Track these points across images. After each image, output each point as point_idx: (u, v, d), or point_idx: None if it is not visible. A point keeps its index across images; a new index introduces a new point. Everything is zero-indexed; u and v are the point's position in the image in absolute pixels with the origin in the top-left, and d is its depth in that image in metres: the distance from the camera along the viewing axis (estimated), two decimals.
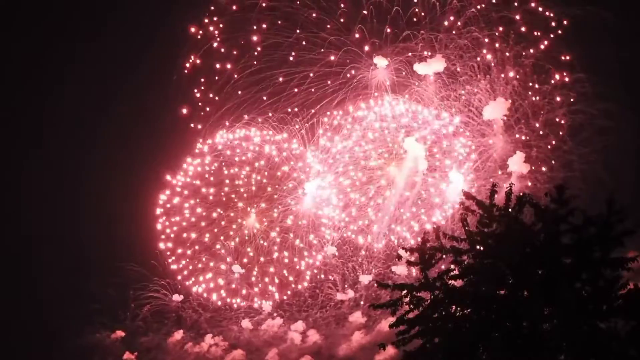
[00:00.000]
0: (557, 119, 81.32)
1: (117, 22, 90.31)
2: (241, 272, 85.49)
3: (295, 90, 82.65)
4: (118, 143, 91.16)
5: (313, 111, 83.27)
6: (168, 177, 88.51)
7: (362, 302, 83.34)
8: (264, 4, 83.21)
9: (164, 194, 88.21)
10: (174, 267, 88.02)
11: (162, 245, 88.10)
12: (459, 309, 28.11)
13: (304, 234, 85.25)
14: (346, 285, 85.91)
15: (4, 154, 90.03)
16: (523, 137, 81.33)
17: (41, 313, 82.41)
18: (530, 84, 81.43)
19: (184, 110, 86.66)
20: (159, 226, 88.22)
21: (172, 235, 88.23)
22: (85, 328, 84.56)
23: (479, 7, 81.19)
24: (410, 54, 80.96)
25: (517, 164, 79.41)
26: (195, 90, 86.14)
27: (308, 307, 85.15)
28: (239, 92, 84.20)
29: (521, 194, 28.75)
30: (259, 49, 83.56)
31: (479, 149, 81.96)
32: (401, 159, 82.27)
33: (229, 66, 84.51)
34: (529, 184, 79.70)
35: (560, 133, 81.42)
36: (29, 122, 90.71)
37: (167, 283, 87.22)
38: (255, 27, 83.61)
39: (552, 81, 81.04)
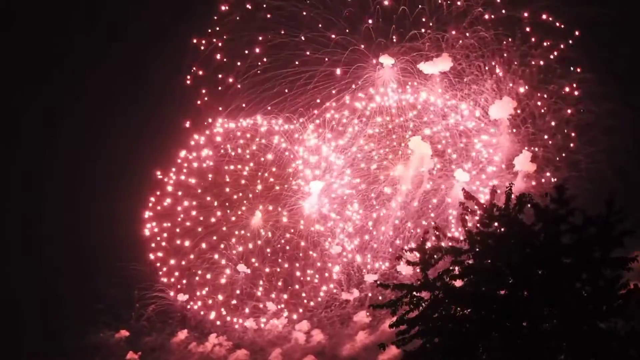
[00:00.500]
0: (564, 119, 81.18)
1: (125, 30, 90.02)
2: (247, 271, 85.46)
3: (302, 89, 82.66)
4: (122, 146, 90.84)
5: (317, 112, 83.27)
6: (159, 175, 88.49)
7: (367, 302, 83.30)
8: (264, 5, 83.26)
9: (154, 195, 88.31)
10: (164, 279, 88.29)
11: (152, 256, 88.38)
12: (459, 309, 28.07)
13: (314, 241, 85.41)
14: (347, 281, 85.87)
15: (12, 155, 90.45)
16: (529, 137, 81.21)
17: (46, 313, 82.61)
18: (537, 83, 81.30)
19: (187, 124, 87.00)
20: (147, 232, 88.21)
21: (163, 244, 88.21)
22: (90, 328, 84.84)
23: (484, 7, 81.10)
24: (415, 53, 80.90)
25: (524, 163, 79.31)
26: (199, 102, 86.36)
27: (313, 307, 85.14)
28: (243, 90, 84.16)
29: (520, 194, 28.66)
30: (257, 51, 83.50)
31: (486, 148, 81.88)
32: (407, 158, 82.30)
33: (230, 80, 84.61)
34: (534, 183, 79.49)
35: (567, 133, 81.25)
36: (37, 125, 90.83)
37: (172, 283, 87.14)
38: (259, 30, 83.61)
39: (559, 81, 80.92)
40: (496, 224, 28.48)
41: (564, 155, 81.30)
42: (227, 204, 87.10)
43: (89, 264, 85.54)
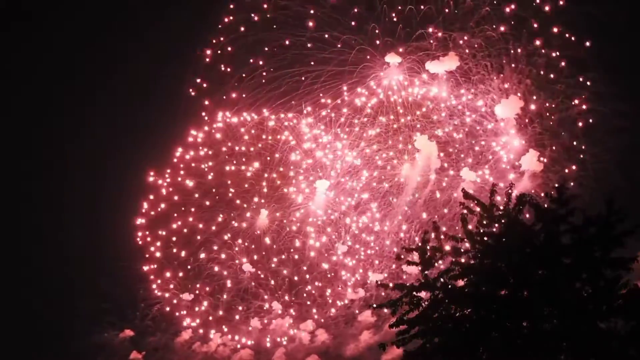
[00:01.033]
0: (571, 119, 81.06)
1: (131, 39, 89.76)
2: (252, 270, 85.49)
3: (308, 88, 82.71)
4: (126, 148, 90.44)
5: (323, 111, 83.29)
6: (151, 177, 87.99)
7: (372, 302, 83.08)
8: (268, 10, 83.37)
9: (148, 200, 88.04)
10: (158, 293, 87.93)
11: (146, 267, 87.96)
12: (459, 309, 28.10)
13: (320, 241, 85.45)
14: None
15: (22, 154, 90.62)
16: (536, 136, 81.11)
17: (51, 313, 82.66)
18: (544, 82, 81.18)
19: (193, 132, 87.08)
20: (139, 241, 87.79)
21: (157, 254, 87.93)
22: (95, 327, 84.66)
23: (491, 6, 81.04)
24: (421, 53, 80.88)
25: (530, 162, 79.23)
26: (203, 114, 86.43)
27: (318, 306, 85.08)
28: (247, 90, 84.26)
29: (521, 194, 28.68)
30: (264, 51, 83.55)
31: (492, 148, 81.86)
32: (414, 158, 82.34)
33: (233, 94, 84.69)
34: (539, 182, 79.36)
35: (574, 132, 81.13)
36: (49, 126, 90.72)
37: (177, 282, 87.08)
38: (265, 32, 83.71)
39: (566, 80, 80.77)
40: (496, 224, 28.47)
41: (570, 155, 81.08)
42: (231, 214, 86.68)
43: (94, 264, 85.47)
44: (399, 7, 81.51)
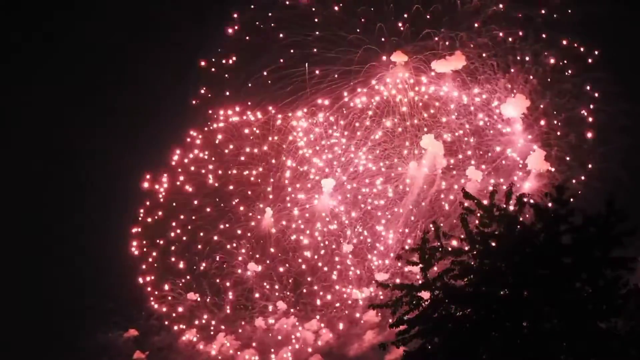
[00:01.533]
0: (577, 118, 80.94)
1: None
2: (256, 270, 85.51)
3: (314, 88, 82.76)
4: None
5: (329, 110, 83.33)
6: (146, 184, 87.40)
7: (377, 301, 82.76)
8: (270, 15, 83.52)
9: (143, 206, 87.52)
10: (155, 305, 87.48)
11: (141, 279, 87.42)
12: (459, 309, 28.11)
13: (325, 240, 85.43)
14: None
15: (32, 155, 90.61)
16: (542, 136, 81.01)
17: (56, 312, 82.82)
18: (550, 82, 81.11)
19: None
20: (135, 250, 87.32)
21: (155, 265, 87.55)
22: (100, 327, 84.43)
23: (499, 5, 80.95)
24: (428, 52, 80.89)
25: (537, 161, 79.14)
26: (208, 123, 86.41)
27: (323, 306, 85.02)
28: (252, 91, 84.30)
29: (520, 193, 28.71)
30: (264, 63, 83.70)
31: (498, 147, 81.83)
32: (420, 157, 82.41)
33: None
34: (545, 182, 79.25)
35: (580, 132, 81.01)
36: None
37: (182, 282, 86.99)
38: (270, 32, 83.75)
39: (573, 79, 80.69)
40: (496, 224, 28.48)
41: (577, 154, 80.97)
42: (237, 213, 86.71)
43: (100, 263, 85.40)
44: (406, 7, 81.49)
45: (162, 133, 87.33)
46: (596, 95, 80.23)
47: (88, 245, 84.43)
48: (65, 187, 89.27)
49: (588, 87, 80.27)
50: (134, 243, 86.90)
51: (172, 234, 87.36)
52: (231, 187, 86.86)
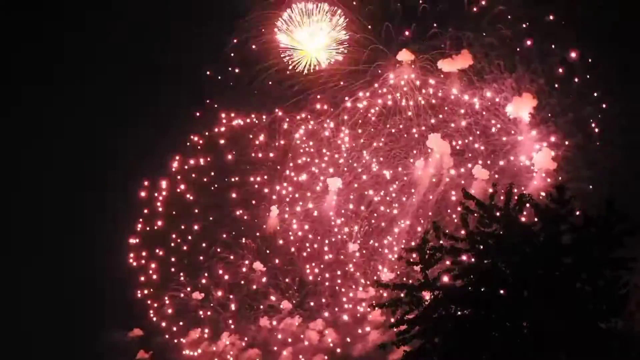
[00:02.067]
0: (584, 118, 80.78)
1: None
2: (262, 269, 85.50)
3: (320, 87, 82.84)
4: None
5: (335, 110, 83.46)
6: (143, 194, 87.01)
7: (383, 301, 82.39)
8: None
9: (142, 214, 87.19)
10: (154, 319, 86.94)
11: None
12: (458, 309, 28.14)
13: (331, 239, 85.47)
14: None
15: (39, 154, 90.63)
16: (549, 135, 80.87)
17: (61, 312, 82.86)
18: (557, 81, 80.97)
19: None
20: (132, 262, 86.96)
21: (154, 277, 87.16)
22: (103, 327, 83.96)
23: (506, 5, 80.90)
24: (434, 52, 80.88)
25: (544, 160, 79.07)
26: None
27: (328, 305, 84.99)
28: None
29: (520, 193, 28.72)
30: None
31: (505, 147, 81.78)
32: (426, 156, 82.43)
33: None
34: (549, 180, 79.09)
35: (587, 131, 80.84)
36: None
37: (187, 282, 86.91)
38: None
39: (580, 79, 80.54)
40: (496, 224, 28.50)
41: (584, 154, 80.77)
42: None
43: (105, 262, 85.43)
44: (413, 6, 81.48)
45: (161, 138, 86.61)
46: (603, 95, 80.00)
47: (91, 246, 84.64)
48: (71, 185, 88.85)
49: (595, 87, 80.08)
50: (131, 254, 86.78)
51: (173, 244, 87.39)
52: (234, 195, 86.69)
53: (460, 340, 27.19)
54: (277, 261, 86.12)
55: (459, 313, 28.13)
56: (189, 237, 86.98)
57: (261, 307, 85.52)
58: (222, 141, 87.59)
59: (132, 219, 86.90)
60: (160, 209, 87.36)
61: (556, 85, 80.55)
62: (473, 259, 28.46)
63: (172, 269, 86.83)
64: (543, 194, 28.15)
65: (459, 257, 28.50)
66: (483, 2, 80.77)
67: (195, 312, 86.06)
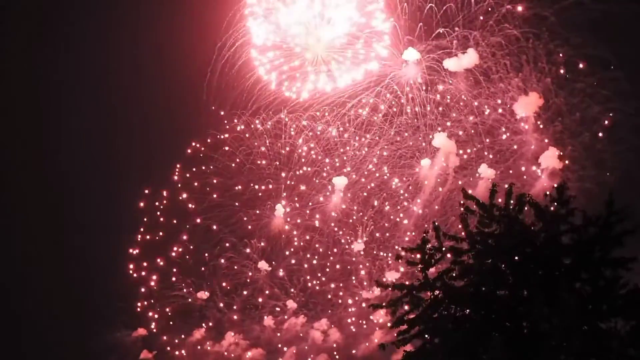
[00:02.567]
0: (591, 117, 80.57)
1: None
2: (267, 269, 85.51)
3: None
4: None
5: (341, 110, 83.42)
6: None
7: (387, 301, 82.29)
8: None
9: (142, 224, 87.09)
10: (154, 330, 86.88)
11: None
12: (459, 309, 28.15)
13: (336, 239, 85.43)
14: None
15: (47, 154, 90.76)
16: (556, 135, 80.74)
17: (66, 312, 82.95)
18: (564, 81, 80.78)
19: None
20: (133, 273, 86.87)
21: (152, 300, 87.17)
22: (109, 326, 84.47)
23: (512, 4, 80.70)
24: (441, 51, 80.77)
25: (550, 159, 78.92)
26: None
27: (332, 305, 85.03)
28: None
29: (520, 193, 28.70)
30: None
31: (511, 146, 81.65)
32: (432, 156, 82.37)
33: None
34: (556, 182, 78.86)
35: (594, 131, 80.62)
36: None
37: (192, 281, 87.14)
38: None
39: (586, 79, 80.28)
40: (496, 224, 28.48)
41: (591, 153, 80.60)
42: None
43: (111, 262, 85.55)
44: (419, 5, 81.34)
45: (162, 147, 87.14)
46: (611, 94, 79.73)
47: (95, 246, 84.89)
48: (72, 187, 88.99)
49: (602, 86, 79.82)
50: (131, 265, 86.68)
51: (173, 253, 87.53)
52: (237, 204, 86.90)
53: (460, 340, 27.19)
54: (282, 260, 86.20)
55: (459, 313, 28.09)
56: (194, 237, 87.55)
57: (265, 305, 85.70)
58: (225, 147, 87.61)
59: (134, 221, 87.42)
60: (164, 209, 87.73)
61: (563, 85, 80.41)
62: (473, 259, 28.38)
63: (176, 269, 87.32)
64: (548, 193, 27.55)
65: (459, 257, 28.46)
66: (490, 1, 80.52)
67: (199, 312, 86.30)
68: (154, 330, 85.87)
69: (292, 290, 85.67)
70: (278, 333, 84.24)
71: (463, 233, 29.13)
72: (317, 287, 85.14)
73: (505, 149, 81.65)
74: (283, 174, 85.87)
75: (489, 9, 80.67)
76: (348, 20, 79.39)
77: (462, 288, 28.25)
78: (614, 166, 78.02)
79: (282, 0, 79.32)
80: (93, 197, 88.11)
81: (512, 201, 28.63)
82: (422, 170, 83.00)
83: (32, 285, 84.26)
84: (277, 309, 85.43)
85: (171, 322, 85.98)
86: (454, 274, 28.39)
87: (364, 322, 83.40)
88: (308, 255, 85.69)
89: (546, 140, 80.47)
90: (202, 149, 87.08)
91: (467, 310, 28.10)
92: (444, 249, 28.86)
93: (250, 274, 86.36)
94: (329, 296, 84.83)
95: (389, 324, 29.06)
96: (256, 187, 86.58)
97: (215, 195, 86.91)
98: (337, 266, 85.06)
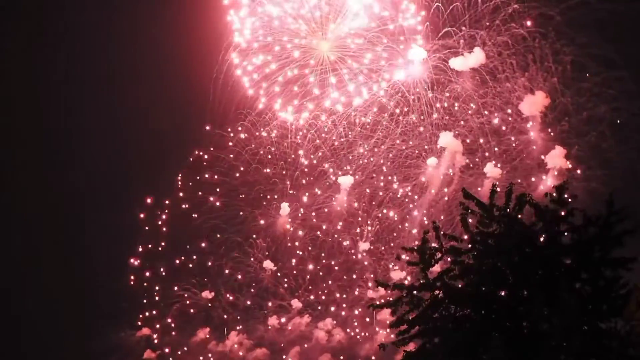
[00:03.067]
0: (597, 117, 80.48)
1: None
2: (272, 268, 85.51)
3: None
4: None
5: (347, 110, 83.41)
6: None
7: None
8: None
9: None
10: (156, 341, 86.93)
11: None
12: (459, 309, 28.15)
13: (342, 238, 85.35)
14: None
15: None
16: (562, 135, 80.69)
17: (71, 312, 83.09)
18: (570, 80, 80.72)
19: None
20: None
21: (156, 297, 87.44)
22: (113, 326, 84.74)
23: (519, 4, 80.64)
24: (447, 50, 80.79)
25: (557, 159, 78.86)
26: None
27: (337, 305, 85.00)
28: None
29: (520, 193, 28.67)
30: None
31: (518, 146, 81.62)
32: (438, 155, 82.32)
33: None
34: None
35: (600, 131, 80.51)
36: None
37: (197, 281, 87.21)
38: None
39: (593, 78, 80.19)
40: (496, 224, 28.45)
41: (597, 153, 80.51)
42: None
43: (115, 263, 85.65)
44: (426, 5, 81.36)
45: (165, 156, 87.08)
46: (618, 93, 79.62)
47: (99, 247, 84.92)
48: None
49: (608, 86, 79.72)
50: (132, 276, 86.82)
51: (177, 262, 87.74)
52: (242, 204, 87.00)
53: (460, 340, 27.18)
54: (287, 260, 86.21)
55: (459, 313, 28.08)
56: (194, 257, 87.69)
57: (270, 304, 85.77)
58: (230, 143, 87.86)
59: (135, 221, 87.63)
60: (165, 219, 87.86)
61: (569, 84, 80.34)
62: (473, 259, 28.37)
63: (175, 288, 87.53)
64: (548, 193, 27.57)
65: (459, 257, 28.45)
66: (497, 1, 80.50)
67: (204, 312, 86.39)
68: (158, 330, 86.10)
69: (299, 290, 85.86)
70: (282, 333, 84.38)
71: (464, 234, 29.16)
72: (322, 287, 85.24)
73: (511, 149, 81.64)
74: (288, 174, 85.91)
75: (495, 9, 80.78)
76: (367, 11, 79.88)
77: (462, 288, 28.19)
78: (620, 166, 78.01)
79: None
80: (96, 196, 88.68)
81: (512, 201, 28.56)
82: (428, 170, 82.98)
83: (34, 284, 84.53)
84: (283, 307, 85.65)
85: (175, 322, 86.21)
86: (454, 274, 28.31)
87: (371, 320, 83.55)
88: (313, 255, 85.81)
89: (553, 140, 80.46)
90: (206, 156, 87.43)
91: (467, 310, 28.02)
92: (444, 249, 28.82)
93: (255, 273, 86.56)
94: (334, 295, 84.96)
95: (390, 323, 28.91)
96: (261, 186, 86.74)
97: (219, 196, 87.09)
98: (343, 266, 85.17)
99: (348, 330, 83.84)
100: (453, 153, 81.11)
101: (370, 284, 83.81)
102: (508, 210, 28.45)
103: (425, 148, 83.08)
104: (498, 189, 29.69)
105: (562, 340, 26.55)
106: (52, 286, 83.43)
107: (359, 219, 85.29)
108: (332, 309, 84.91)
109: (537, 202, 28.31)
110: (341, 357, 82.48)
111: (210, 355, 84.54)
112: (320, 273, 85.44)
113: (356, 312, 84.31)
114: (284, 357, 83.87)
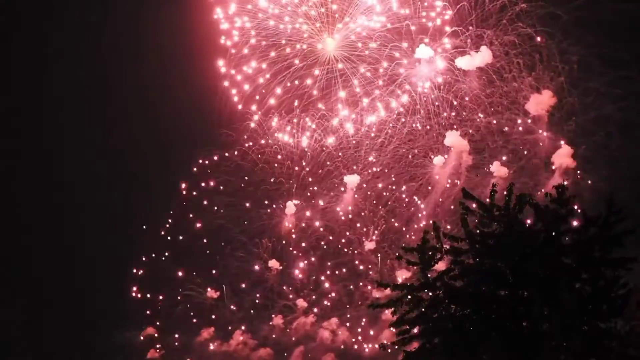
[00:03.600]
0: (604, 117, 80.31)
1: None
2: (278, 268, 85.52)
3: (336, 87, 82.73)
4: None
5: (353, 108, 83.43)
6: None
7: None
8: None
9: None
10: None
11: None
12: (459, 309, 28.16)
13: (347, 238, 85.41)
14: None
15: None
16: (569, 134, 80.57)
17: (75, 312, 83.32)
18: (577, 80, 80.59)
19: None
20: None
21: (160, 297, 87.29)
22: (117, 326, 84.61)
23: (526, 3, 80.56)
24: (454, 50, 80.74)
25: (564, 158, 78.77)
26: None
27: (342, 304, 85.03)
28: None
29: (520, 193, 28.67)
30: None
31: (525, 145, 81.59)
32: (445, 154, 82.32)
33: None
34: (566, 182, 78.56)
35: (608, 130, 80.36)
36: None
37: (202, 281, 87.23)
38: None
39: (599, 78, 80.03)
40: (496, 224, 28.46)
41: (604, 153, 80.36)
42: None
43: (119, 263, 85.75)
44: (433, 4, 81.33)
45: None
46: (625, 93, 79.45)
47: (105, 246, 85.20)
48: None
49: (615, 86, 79.55)
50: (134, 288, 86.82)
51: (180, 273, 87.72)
52: (248, 204, 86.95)
53: (460, 340, 27.22)
54: (292, 259, 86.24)
55: (459, 313, 28.10)
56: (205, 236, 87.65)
57: (275, 305, 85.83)
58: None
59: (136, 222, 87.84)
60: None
61: (576, 84, 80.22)
62: (473, 259, 28.39)
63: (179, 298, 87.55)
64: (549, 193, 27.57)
65: (459, 257, 28.47)
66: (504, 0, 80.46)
67: (208, 311, 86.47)
68: (163, 330, 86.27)
69: (304, 289, 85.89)
70: (287, 332, 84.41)
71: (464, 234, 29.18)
72: (327, 286, 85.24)
73: (518, 148, 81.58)
74: (294, 173, 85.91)
75: (501, 8, 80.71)
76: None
77: (462, 288, 28.21)
78: (627, 165, 77.82)
79: None
80: (101, 197, 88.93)
81: (512, 201, 28.56)
82: (434, 169, 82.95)
83: (38, 285, 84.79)
84: (288, 307, 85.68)
85: (180, 322, 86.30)
86: (454, 274, 28.32)
87: (373, 322, 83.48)
88: (319, 254, 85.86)
89: (560, 140, 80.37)
90: (211, 160, 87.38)
91: (467, 310, 28.03)
92: (444, 249, 28.83)
93: (260, 273, 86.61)
94: (339, 296, 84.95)
95: (390, 323, 28.93)
96: (267, 186, 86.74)
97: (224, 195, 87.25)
98: (348, 265, 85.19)
99: (353, 330, 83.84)
100: (459, 152, 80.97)
101: (374, 284, 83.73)
102: (508, 210, 28.43)
103: (433, 146, 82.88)
104: (497, 190, 29.69)
105: (562, 340, 26.65)
106: (57, 286, 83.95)
107: (364, 217, 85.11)
108: (337, 308, 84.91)
109: (537, 202, 28.31)
110: (345, 357, 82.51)
111: (214, 354, 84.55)
112: (328, 272, 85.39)
113: (361, 311, 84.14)
114: (285, 355, 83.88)
